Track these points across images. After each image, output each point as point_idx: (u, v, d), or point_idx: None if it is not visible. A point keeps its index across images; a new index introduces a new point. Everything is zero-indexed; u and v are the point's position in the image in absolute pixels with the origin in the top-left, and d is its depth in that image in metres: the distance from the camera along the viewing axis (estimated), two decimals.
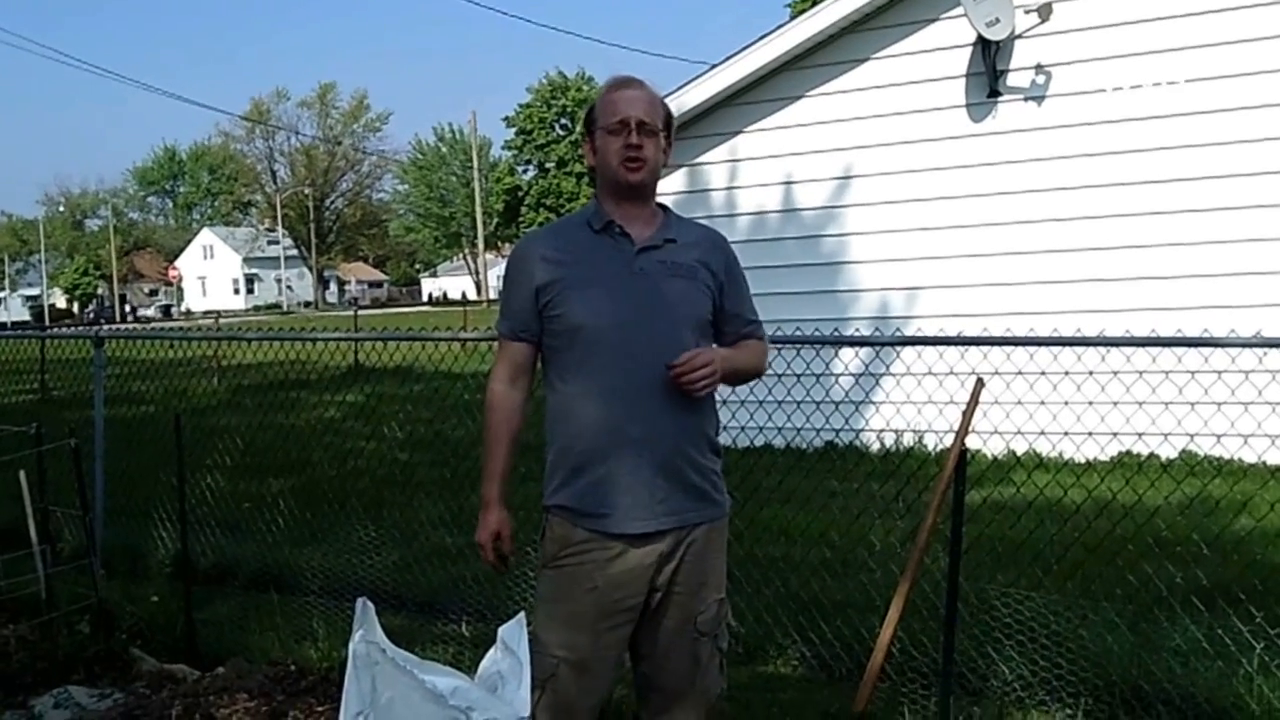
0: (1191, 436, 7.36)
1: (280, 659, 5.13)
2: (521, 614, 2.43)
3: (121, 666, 5.21)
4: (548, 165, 76.85)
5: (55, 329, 42.28)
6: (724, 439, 6.35)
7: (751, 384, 6.61)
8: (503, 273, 3.24)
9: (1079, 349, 6.51)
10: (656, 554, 2.88)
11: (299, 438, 10.13)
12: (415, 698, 2.16)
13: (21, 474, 5.66)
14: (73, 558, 6.04)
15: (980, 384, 3.75)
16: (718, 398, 3.03)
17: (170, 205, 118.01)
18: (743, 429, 6.85)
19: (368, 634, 2.18)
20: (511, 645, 2.34)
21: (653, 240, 2.95)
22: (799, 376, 6.59)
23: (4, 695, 4.91)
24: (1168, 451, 7.55)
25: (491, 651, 2.42)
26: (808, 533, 5.88)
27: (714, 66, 10.65)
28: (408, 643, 5.22)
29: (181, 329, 28.03)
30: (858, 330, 9.64)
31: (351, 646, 2.18)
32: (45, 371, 17.23)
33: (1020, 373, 6.55)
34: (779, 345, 6.07)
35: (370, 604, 2.25)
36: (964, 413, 3.74)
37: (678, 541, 2.90)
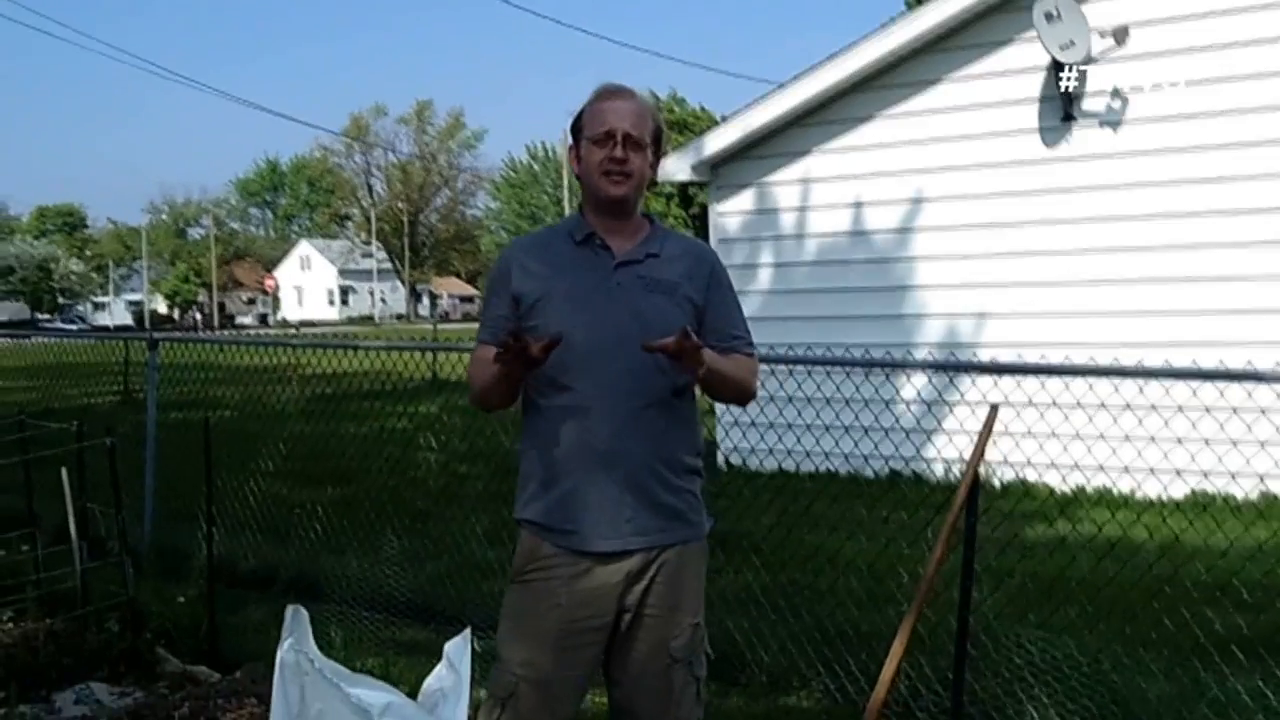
0: (1261, 478, 7.10)
1: None
2: (467, 630, 2.36)
3: (145, 666, 5.23)
4: None
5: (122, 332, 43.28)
6: (790, 464, 6.22)
7: (817, 408, 6.48)
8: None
9: (1141, 381, 6.28)
10: (624, 573, 2.79)
11: (364, 447, 10.18)
12: (345, 711, 2.10)
13: (63, 471, 5.73)
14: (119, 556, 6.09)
15: (994, 411, 3.61)
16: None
17: (270, 216, 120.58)
18: (808, 454, 6.75)
19: (297, 643, 2.12)
20: (454, 662, 2.26)
21: (633, 254, 2.88)
22: (867, 402, 6.46)
23: (29, 689, 4.96)
24: (1229, 488, 7.28)
25: (438, 668, 2.34)
26: (835, 560, 5.73)
27: (782, 85, 10.54)
28: (428, 657, 5.21)
29: (273, 336, 28.43)
30: (930, 354, 9.48)
31: (280, 655, 2.13)
32: (129, 374, 17.61)
33: (1079, 404, 6.34)
34: (805, 365, 5.98)
35: (304, 611, 2.19)
36: (977, 441, 3.59)
37: (647, 561, 2.81)
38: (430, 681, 2.33)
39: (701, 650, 2.95)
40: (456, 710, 2.19)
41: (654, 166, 2.93)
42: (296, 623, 2.13)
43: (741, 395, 2.95)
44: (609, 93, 2.92)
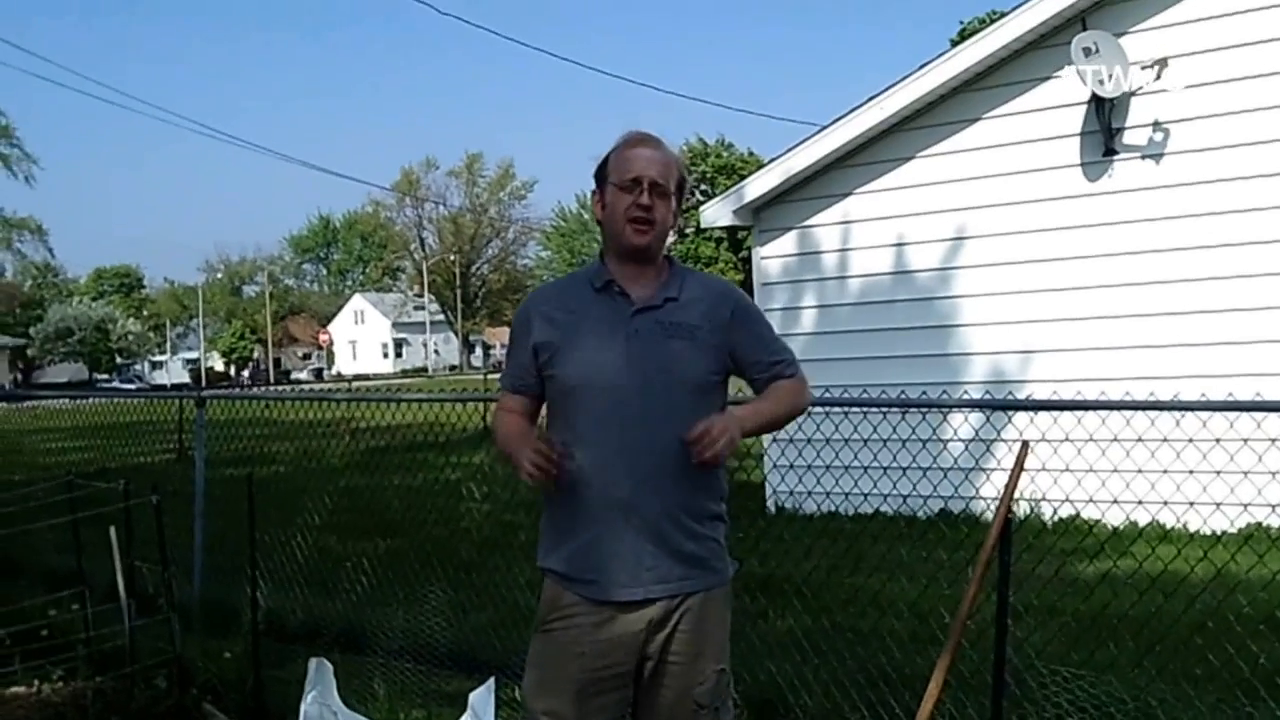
0: None
1: None
2: (491, 680, 2.37)
3: None
4: (686, 231, 77.17)
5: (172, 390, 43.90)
6: (837, 506, 6.15)
7: (855, 449, 6.42)
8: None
9: (1178, 414, 6.20)
10: (646, 620, 2.79)
11: (411, 498, 10.24)
12: None
13: (111, 529, 5.81)
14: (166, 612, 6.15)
15: (1025, 448, 3.58)
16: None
17: (324, 272, 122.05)
18: (847, 496, 6.70)
19: (321, 695, 2.14)
20: (479, 712, 2.27)
21: (651, 300, 2.89)
22: (905, 442, 6.40)
23: None
24: (1271, 520, 7.16)
25: (463, 718, 2.36)
26: (878, 602, 5.68)
27: (823, 128, 10.57)
28: (464, 708, 5.23)
29: (324, 390, 28.73)
30: (966, 392, 9.39)
31: (304, 707, 2.15)
32: (183, 431, 17.81)
33: (1116, 439, 6.27)
34: (841, 407, 5.95)
35: (327, 664, 2.21)
36: (1008, 478, 3.57)
37: (669, 609, 2.81)
38: None
39: (728, 696, 2.94)
40: None
41: (676, 215, 2.94)
42: (320, 675, 2.16)
43: (793, 418, 2.99)
44: (636, 140, 2.94)
